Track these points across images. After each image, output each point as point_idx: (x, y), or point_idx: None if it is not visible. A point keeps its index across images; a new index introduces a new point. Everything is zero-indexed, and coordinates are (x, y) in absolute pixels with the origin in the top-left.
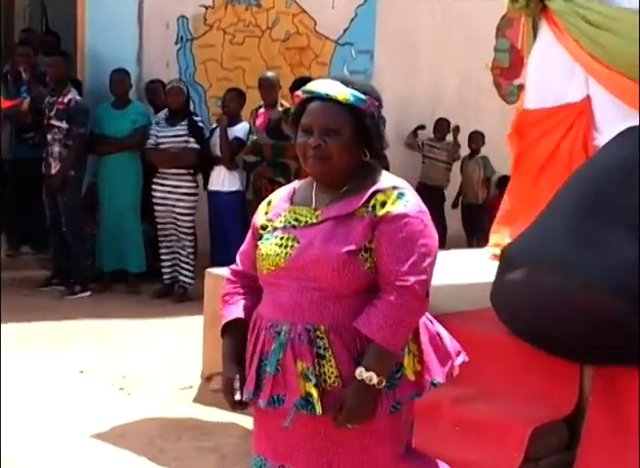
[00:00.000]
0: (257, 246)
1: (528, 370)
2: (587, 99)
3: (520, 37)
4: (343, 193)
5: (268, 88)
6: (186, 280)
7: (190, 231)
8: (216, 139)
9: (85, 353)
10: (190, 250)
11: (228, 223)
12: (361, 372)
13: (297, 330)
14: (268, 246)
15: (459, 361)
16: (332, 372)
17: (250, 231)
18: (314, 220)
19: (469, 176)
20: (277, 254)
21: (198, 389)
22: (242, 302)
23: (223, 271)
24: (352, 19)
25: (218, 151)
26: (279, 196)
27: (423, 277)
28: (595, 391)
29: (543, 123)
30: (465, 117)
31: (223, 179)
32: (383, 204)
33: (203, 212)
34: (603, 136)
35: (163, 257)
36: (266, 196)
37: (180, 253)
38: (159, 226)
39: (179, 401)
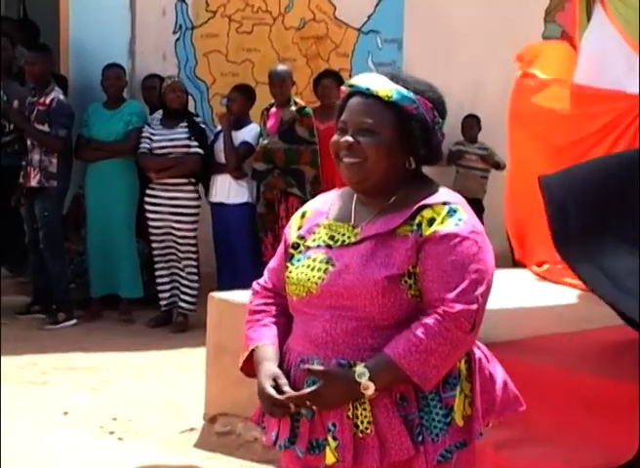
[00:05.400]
0: (287, 267)
1: (584, 410)
2: None
3: (576, 21)
4: (387, 207)
5: (279, 84)
6: (187, 306)
7: (192, 250)
8: (221, 144)
9: (69, 391)
10: (192, 270)
11: (236, 240)
12: (361, 374)
13: (330, 366)
14: (299, 269)
15: (511, 410)
16: (365, 416)
17: (281, 246)
18: (352, 239)
19: None
20: (309, 279)
21: (201, 432)
22: (274, 327)
23: (230, 295)
24: (377, 4)
25: (223, 158)
26: (315, 207)
27: (473, 307)
28: None
29: (595, 106)
30: None
31: (229, 190)
32: (431, 221)
33: (206, 227)
34: None
35: (160, 280)
36: (279, 209)
37: (179, 276)
38: (155, 244)
39: (178, 446)
